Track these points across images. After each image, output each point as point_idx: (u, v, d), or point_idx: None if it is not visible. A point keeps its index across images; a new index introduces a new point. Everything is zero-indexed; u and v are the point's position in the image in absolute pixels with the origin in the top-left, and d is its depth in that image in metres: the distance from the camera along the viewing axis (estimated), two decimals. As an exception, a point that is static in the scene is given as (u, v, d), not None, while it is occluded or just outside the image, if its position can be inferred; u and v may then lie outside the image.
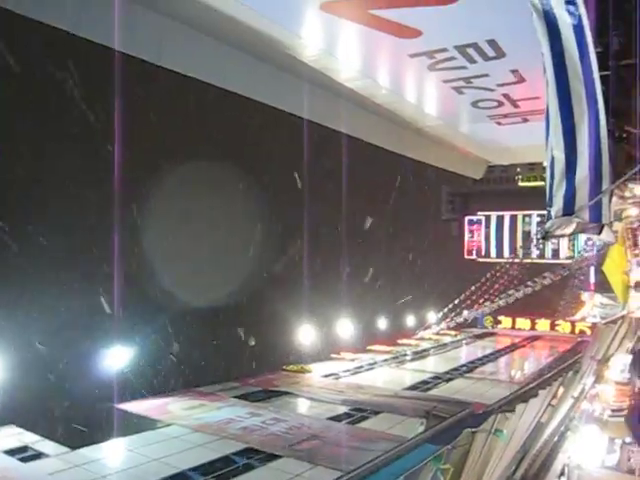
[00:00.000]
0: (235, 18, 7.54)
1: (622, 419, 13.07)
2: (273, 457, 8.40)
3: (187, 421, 9.98)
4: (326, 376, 15.10)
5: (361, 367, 16.67)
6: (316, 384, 13.90)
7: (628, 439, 12.34)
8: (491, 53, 8.07)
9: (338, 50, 9.04)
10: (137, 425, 9.90)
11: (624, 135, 7.25)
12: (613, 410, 14.00)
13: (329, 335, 21.39)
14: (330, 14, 7.52)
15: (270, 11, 7.52)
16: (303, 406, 12.28)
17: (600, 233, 5.35)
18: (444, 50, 8.15)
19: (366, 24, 7.65)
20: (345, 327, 22.48)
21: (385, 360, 17.97)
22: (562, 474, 11.29)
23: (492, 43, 7.76)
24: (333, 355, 18.60)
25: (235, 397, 12.10)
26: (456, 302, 29.31)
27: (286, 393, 12.84)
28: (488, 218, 50.73)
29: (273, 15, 7.64)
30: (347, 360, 17.71)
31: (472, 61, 8.41)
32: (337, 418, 10.83)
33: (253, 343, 23.94)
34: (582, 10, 4.13)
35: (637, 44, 4.93)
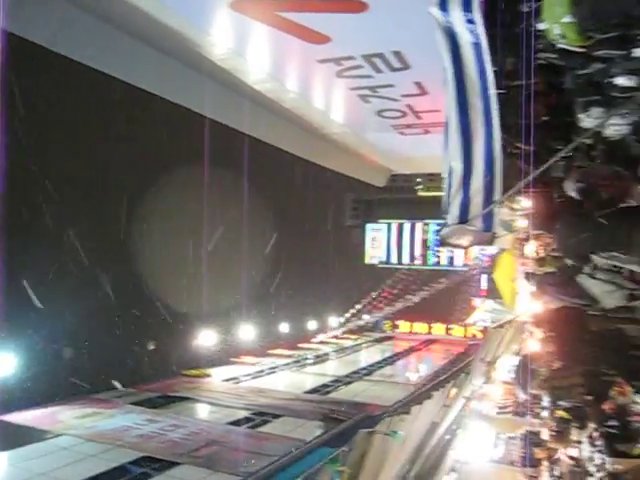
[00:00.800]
0: (141, 9, 7.27)
1: (508, 415, 13.88)
2: (171, 465, 8.14)
3: (79, 430, 9.45)
4: (227, 380, 14.90)
5: (262, 371, 16.63)
6: (216, 388, 13.67)
7: (511, 434, 13.11)
8: (396, 64, 8.31)
9: (247, 51, 8.96)
10: (22, 437, 9.22)
11: (515, 151, 7.67)
12: (500, 407, 14.87)
13: (230, 339, 21.12)
14: (240, 13, 7.44)
15: (178, 4, 7.31)
16: (203, 411, 12.02)
17: (492, 244, 5.65)
18: (352, 58, 8.29)
19: (275, 26, 7.63)
20: (246, 331, 22.32)
21: (286, 364, 18.04)
22: (453, 470, 11.80)
23: (398, 54, 7.99)
24: (234, 359, 18.39)
25: (132, 403, 11.64)
26: (357, 307, 29.97)
27: (186, 398, 12.52)
28: (389, 226, 52.37)
29: (181, 9, 7.44)
30: (248, 364, 17.58)
31: (378, 71, 8.61)
32: (237, 423, 10.71)
33: (152, 347, 23.16)
34: (480, 30, 4.31)
35: (523, 67, 5.24)
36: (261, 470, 5.16)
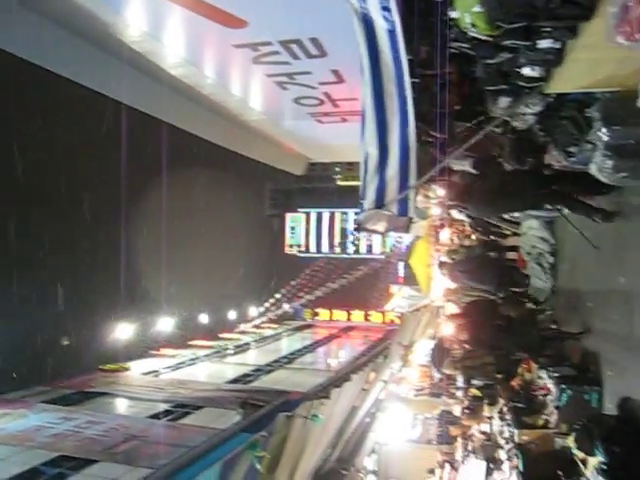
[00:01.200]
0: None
1: (425, 397, 14.40)
2: (88, 463, 7.79)
3: (-15, 434, 8.83)
4: (146, 373, 14.48)
5: (182, 363, 16.29)
6: (135, 382, 13.25)
7: (428, 415, 13.62)
8: (314, 51, 8.26)
9: (162, 34, 8.61)
10: None
11: (429, 139, 7.86)
12: (417, 390, 15.41)
13: (149, 332, 20.57)
14: (153, -7, 7.16)
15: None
16: (121, 406, 11.62)
17: (408, 231, 5.80)
18: (268, 44, 8.17)
19: (191, 8, 7.39)
20: (166, 323, 21.79)
21: (207, 355, 17.77)
22: (373, 451, 12.11)
23: (315, 41, 7.94)
24: (153, 352, 17.92)
25: (45, 402, 11.01)
26: (277, 296, 29.98)
27: (103, 394, 12.04)
28: (308, 215, 52.66)
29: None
30: (168, 356, 17.17)
31: (295, 57, 8.53)
32: (157, 416, 10.43)
33: (66, 343, 22.16)
34: (396, 17, 4.35)
35: (437, 56, 5.36)
36: (177, 459, 5.04)
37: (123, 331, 18.16)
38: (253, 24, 7.68)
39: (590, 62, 3.55)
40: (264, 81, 10.10)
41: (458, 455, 10.85)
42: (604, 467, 4.07)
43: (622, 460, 4.02)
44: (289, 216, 52.94)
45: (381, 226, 5.14)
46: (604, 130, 4.12)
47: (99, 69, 9.29)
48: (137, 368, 15.03)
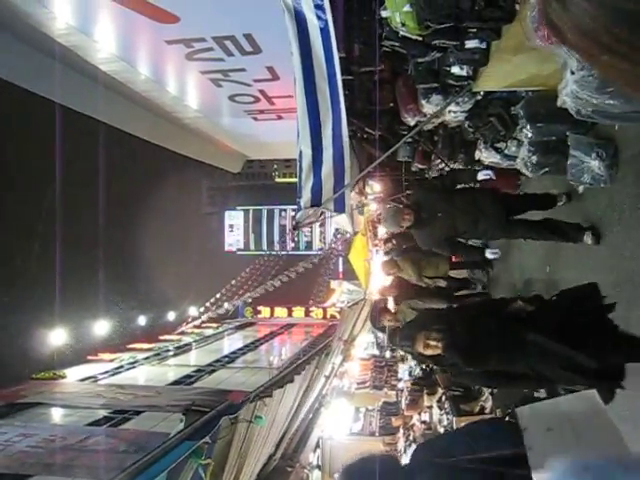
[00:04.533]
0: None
1: (367, 390, 14.61)
2: (22, 478, 7.44)
3: None
4: (83, 380, 14.02)
5: (121, 367, 15.87)
6: (71, 389, 12.77)
7: (370, 407, 13.83)
8: (248, 48, 8.20)
9: (91, 28, 8.31)
10: None
11: (365, 136, 7.97)
12: (358, 383, 15.62)
13: (85, 337, 19.91)
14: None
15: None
16: (57, 415, 11.19)
17: (346, 226, 5.88)
18: (202, 40, 8.05)
19: (120, 2, 7.19)
20: (102, 327, 21.15)
21: (147, 358, 17.39)
22: (317, 446, 12.18)
23: (249, 37, 7.89)
24: (90, 357, 17.35)
25: (-30, 417, 10.46)
26: (217, 295, 29.60)
27: (36, 404, 11.52)
28: (247, 212, 52.28)
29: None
30: (106, 361, 16.67)
31: (230, 54, 8.44)
32: (96, 423, 10.12)
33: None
34: (329, 16, 4.38)
35: (370, 54, 5.43)
36: (120, 474, 4.91)
37: (57, 337, 17.50)
38: (185, 19, 7.56)
39: (513, 62, 3.70)
40: (198, 78, 9.95)
41: (400, 445, 11.08)
42: None
43: None
44: (227, 214, 52.38)
45: (318, 223, 5.17)
46: (528, 127, 4.30)
47: (21, 63, 8.88)
48: (73, 374, 14.53)
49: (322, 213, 4.84)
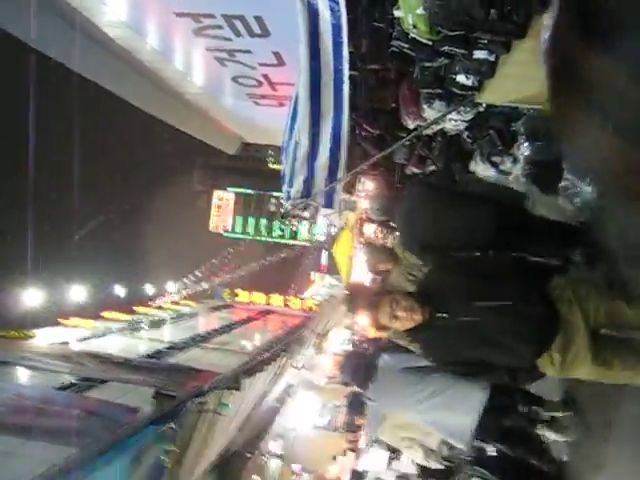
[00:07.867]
0: None
1: (336, 385, 14.65)
2: (-24, 436, 7.35)
3: None
4: (53, 343, 13.84)
5: (94, 334, 15.69)
6: (39, 351, 12.62)
7: (337, 402, 13.89)
8: (257, 30, 8.13)
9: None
10: None
11: (364, 134, 7.93)
12: (329, 377, 15.66)
13: (59, 300, 19.71)
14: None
15: None
16: (22, 376, 11.03)
17: (336, 221, 5.84)
18: (211, 16, 7.96)
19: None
20: (78, 292, 20.93)
21: (120, 328, 17.21)
22: (280, 436, 12.22)
23: (259, 19, 7.81)
24: (62, 321, 17.13)
25: None
26: (197, 274, 29.47)
27: (2, 362, 11.39)
28: (238, 195, 51.95)
29: None
30: (78, 327, 16.50)
31: (238, 34, 8.36)
32: (62, 387, 10.01)
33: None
34: (343, 10, 4.34)
35: (378, 52, 5.39)
36: (81, 452, 4.84)
37: (31, 297, 17.29)
38: (197, -7, 7.47)
39: (519, 78, 3.69)
40: (204, 55, 9.86)
41: (361, 443, 11.14)
42: None
43: None
44: (216, 194, 51.98)
45: (307, 215, 5.15)
46: (527, 144, 4.30)
47: (22, 16, 8.70)
48: (43, 337, 14.34)
49: (309, 205, 4.81)
